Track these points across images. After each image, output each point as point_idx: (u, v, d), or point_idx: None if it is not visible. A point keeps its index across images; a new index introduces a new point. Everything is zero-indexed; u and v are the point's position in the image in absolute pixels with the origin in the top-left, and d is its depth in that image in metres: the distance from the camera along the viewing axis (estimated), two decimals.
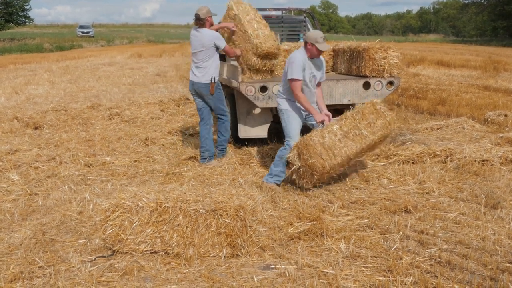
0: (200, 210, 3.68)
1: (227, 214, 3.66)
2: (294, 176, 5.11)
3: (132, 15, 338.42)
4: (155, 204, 3.72)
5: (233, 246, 3.71)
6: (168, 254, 3.73)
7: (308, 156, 4.84)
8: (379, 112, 5.16)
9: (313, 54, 5.12)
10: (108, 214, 3.74)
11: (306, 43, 5.12)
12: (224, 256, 3.69)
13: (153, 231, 3.75)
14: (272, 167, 5.33)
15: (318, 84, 5.41)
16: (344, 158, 4.88)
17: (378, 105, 5.20)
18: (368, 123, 5.06)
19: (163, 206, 3.71)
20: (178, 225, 3.72)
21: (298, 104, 5.26)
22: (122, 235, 3.74)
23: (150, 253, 3.76)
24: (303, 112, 5.33)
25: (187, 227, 3.71)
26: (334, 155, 4.83)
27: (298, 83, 5.04)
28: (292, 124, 5.30)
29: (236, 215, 3.66)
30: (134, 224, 3.73)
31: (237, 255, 3.71)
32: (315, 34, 5.08)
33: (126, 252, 3.76)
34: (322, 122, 5.11)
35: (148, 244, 3.76)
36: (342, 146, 4.87)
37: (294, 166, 5.00)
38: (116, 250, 3.77)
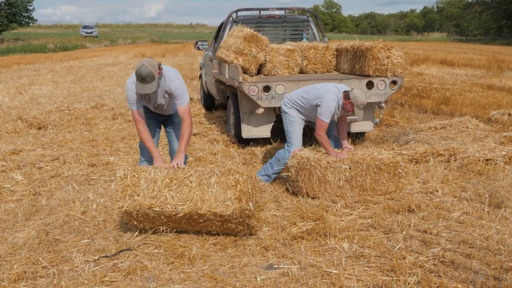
0: (215, 171, 3.90)
1: (239, 175, 3.87)
2: (285, 175, 5.15)
3: (137, 15, 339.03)
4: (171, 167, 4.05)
5: (241, 201, 3.76)
6: (173, 252, 3.75)
7: (301, 179, 4.86)
8: (395, 176, 4.95)
9: (346, 109, 5.07)
10: (125, 174, 3.96)
11: (348, 96, 4.98)
12: (232, 211, 3.72)
13: (165, 185, 3.90)
14: (268, 166, 5.35)
15: (344, 119, 5.31)
16: (332, 196, 4.87)
17: (400, 169, 4.96)
18: (376, 180, 4.91)
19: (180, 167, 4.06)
20: (190, 182, 3.86)
21: (302, 115, 5.30)
22: (134, 190, 3.87)
23: (153, 249, 3.77)
24: (306, 119, 5.36)
25: (199, 184, 3.86)
26: (325, 190, 4.85)
27: (325, 126, 4.99)
28: (295, 129, 5.30)
29: (250, 176, 3.88)
30: (149, 181, 3.91)
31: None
32: (361, 100, 4.92)
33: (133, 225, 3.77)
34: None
35: (158, 200, 3.83)
36: (339, 187, 4.85)
37: (289, 173, 5.02)
38: (124, 208, 3.84)
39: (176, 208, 3.78)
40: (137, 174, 3.97)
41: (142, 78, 3.95)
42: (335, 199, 4.82)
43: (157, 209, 3.81)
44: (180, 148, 4.28)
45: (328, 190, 4.86)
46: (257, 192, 4.04)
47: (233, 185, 3.81)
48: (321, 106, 4.99)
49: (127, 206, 3.83)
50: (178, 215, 3.80)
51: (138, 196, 3.84)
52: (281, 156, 5.28)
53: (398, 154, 5.36)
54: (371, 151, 5.15)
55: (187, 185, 3.86)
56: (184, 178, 3.89)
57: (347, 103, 4.99)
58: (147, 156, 4.61)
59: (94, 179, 5.70)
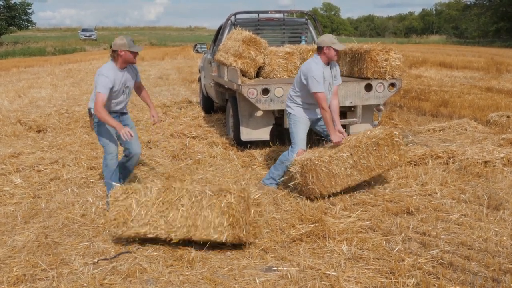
0: (207, 191, 3.80)
1: (231, 195, 3.76)
2: (291, 184, 5.10)
3: (137, 17, 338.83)
4: (162, 187, 3.90)
5: (234, 227, 3.72)
6: (172, 255, 3.75)
7: (310, 181, 4.82)
8: (394, 146, 4.98)
9: (331, 57, 5.01)
10: (117, 196, 3.88)
11: (321, 48, 4.98)
12: (226, 239, 3.70)
13: (158, 211, 3.82)
14: (272, 169, 5.34)
15: (335, 95, 5.27)
16: (344, 187, 4.88)
17: (396, 137, 5.00)
18: (379, 156, 4.92)
19: (170, 187, 3.88)
20: (182, 205, 3.80)
21: (307, 111, 5.22)
22: (127, 216, 3.83)
23: (152, 252, 3.78)
24: (312, 118, 5.30)
25: (191, 207, 3.78)
26: (336, 184, 4.84)
27: (323, 96, 4.93)
28: (299, 129, 5.24)
29: (240, 196, 3.79)
30: (141, 205, 3.84)
31: (239, 246, 3.72)
32: (328, 37, 4.98)
33: (131, 239, 3.77)
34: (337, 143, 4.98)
35: (152, 227, 3.80)
36: (348, 176, 4.85)
37: (295, 181, 4.98)
38: (120, 235, 3.86)
39: (169, 234, 3.79)
40: (128, 196, 3.92)
41: (131, 39, 4.72)
42: (334, 201, 4.82)
43: (151, 236, 3.84)
44: (151, 104, 5.15)
45: (339, 183, 4.84)
46: (252, 209, 4.02)
47: (225, 210, 3.73)
48: (307, 78, 4.95)
49: (121, 234, 3.88)
50: (172, 241, 3.82)
51: (132, 223, 3.85)
52: (284, 158, 5.25)
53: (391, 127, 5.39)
54: (363, 132, 5.16)
55: (179, 209, 3.81)
56: (176, 200, 3.84)
57: (325, 50, 4.97)
58: (113, 150, 4.81)
59: (94, 182, 5.70)
